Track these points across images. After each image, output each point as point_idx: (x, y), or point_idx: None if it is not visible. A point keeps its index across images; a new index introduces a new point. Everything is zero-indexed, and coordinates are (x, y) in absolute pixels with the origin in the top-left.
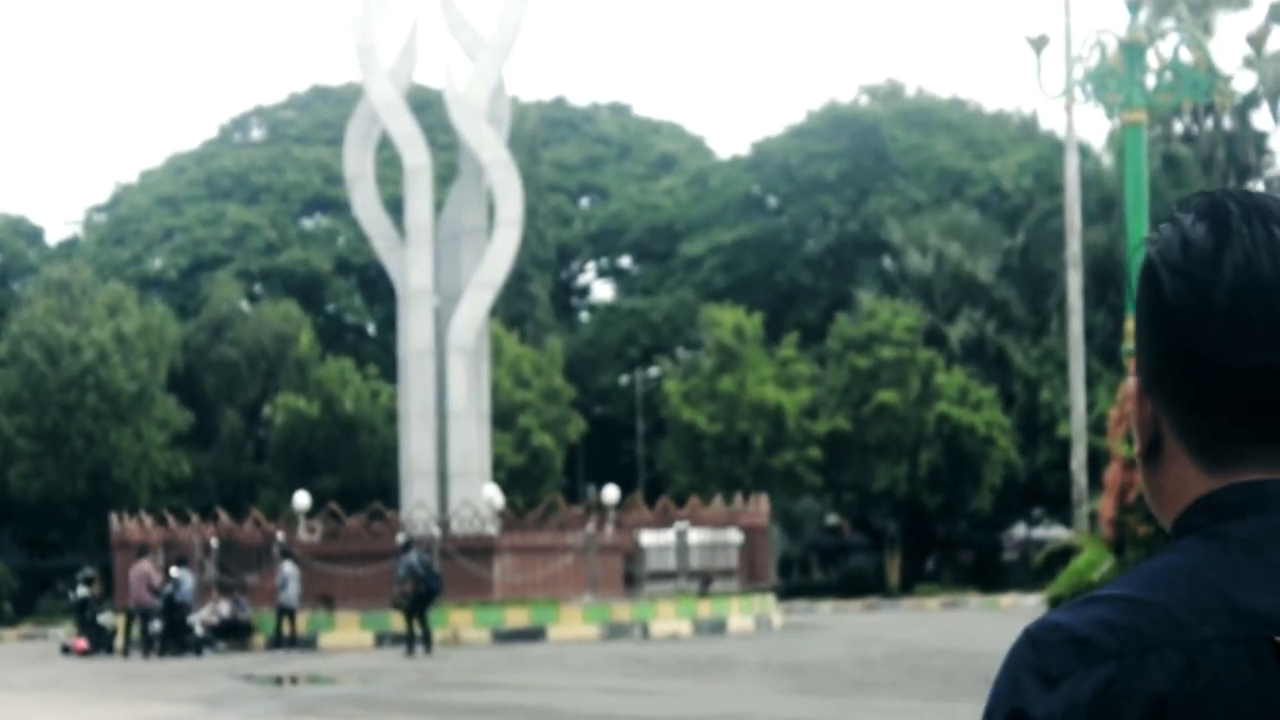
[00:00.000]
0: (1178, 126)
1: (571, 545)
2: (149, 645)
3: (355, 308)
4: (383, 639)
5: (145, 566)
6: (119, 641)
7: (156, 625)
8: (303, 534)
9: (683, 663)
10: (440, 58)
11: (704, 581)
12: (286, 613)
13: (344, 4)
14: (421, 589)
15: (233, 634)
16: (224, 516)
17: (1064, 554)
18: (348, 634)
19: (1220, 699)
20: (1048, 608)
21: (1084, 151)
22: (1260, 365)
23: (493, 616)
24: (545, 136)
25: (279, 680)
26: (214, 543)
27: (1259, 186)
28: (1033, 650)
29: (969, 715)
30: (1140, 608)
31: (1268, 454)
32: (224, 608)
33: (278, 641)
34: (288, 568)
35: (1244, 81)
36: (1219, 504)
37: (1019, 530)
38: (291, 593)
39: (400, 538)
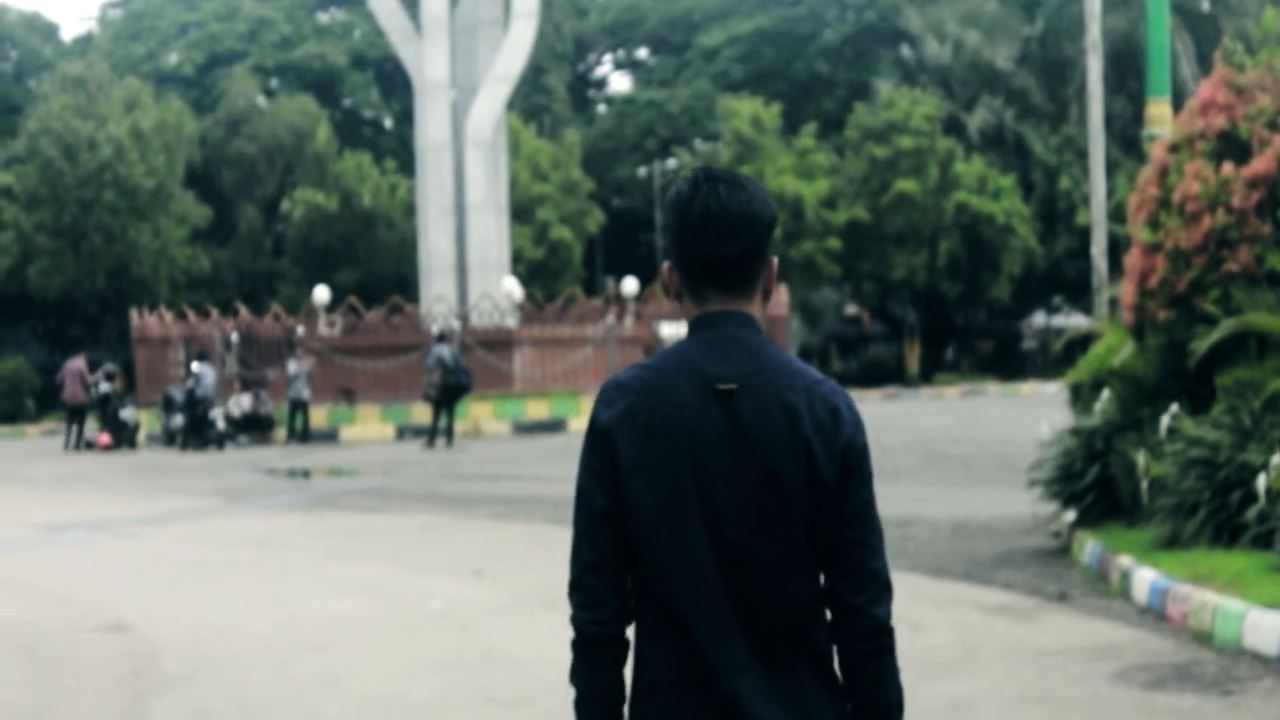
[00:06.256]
0: None
1: (591, 337)
2: (170, 439)
3: (372, 102)
4: (403, 432)
5: (78, 364)
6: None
7: (179, 419)
8: (323, 328)
9: None
10: None
11: None
12: (299, 406)
13: None
14: (451, 381)
15: (254, 428)
16: (244, 311)
17: (1084, 341)
18: (368, 427)
19: (684, 413)
20: (1068, 394)
21: None
22: (711, 254)
23: (513, 409)
24: None
25: (304, 473)
26: (234, 337)
27: None
28: (604, 390)
29: (987, 500)
30: (653, 369)
31: (720, 296)
32: (245, 402)
33: (292, 435)
34: (294, 364)
35: None
36: (699, 320)
37: (1038, 318)
38: (302, 386)
39: (435, 328)
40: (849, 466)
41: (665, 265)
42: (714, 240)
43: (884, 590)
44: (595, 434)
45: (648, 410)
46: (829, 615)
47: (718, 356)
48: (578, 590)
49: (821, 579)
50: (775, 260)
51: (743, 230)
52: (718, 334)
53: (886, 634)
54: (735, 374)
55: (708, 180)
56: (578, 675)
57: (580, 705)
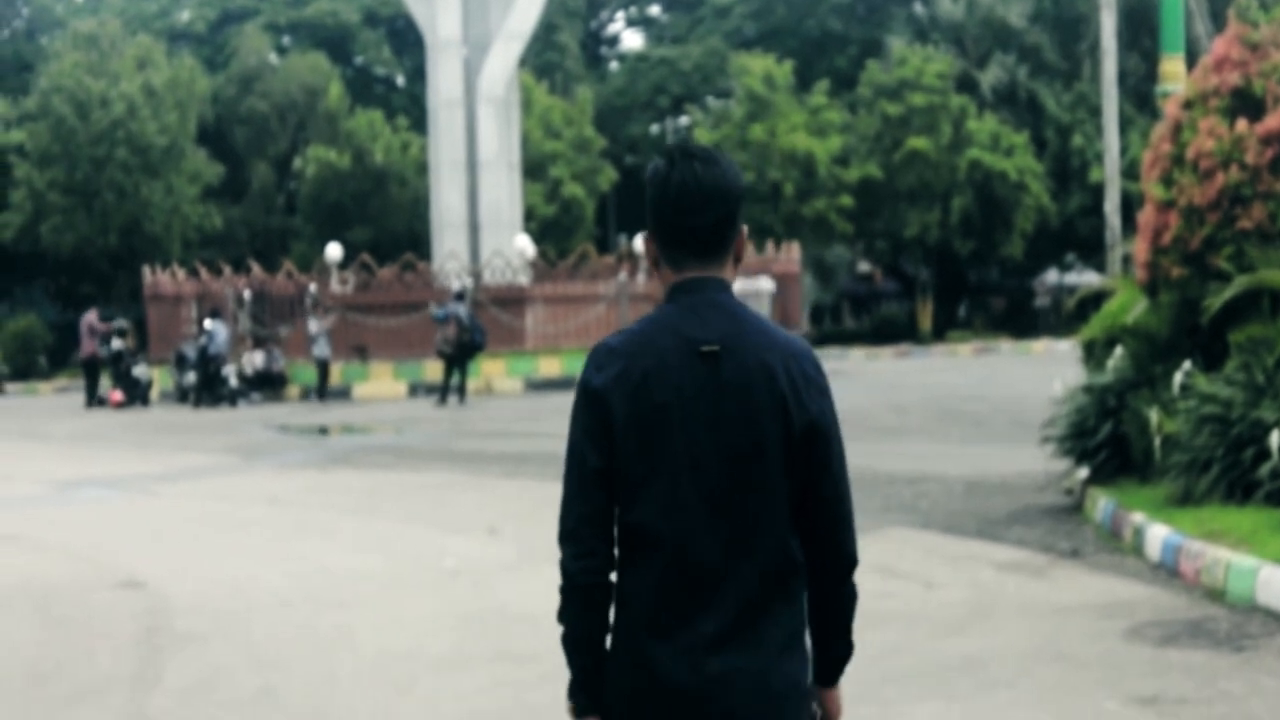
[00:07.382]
0: None
1: (603, 294)
2: (183, 396)
3: (384, 59)
4: (416, 389)
5: (90, 318)
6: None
7: (192, 377)
8: (335, 285)
9: None
10: None
11: None
12: (323, 365)
13: None
14: (465, 339)
15: (267, 385)
16: (256, 269)
17: (1097, 298)
18: (381, 384)
19: (672, 374)
20: (1081, 352)
21: None
22: (688, 224)
23: (525, 366)
24: None
25: (317, 430)
26: (247, 295)
27: None
28: (594, 355)
29: (1000, 457)
30: (638, 334)
31: (697, 264)
32: (258, 359)
33: (319, 393)
34: (314, 323)
35: None
36: (678, 287)
37: (1051, 276)
38: (324, 345)
39: (456, 285)
40: (820, 421)
41: (645, 235)
42: (690, 211)
43: (852, 533)
44: (589, 396)
45: (639, 373)
46: (803, 556)
47: (699, 320)
48: (571, 541)
49: (796, 525)
50: (745, 229)
51: (716, 201)
52: (698, 299)
53: (853, 571)
54: (716, 336)
55: (684, 157)
56: (566, 616)
57: (568, 641)
